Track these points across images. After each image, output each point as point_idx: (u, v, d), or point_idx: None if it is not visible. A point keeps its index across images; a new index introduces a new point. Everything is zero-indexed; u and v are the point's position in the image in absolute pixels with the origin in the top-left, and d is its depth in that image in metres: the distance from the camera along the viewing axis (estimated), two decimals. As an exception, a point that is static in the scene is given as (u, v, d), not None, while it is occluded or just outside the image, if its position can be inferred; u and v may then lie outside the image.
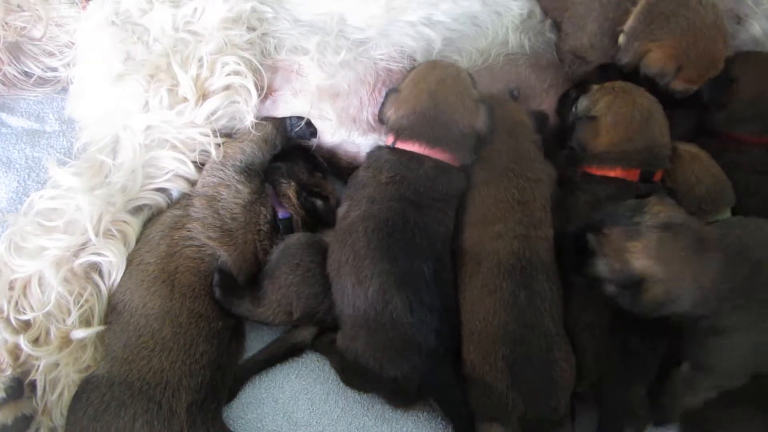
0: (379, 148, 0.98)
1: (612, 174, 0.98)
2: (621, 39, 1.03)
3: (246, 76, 0.99)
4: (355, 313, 0.88)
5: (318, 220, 1.03)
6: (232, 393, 0.94)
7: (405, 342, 0.85)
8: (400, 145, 0.94)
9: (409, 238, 0.88)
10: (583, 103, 1.02)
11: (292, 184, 1.02)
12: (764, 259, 0.81)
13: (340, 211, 0.94)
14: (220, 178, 0.97)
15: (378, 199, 0.90)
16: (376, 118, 1.03)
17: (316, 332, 0.99)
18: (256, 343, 0.98)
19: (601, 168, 0.99)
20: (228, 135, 1.03)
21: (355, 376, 0.89)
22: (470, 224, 0.93)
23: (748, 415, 0.87)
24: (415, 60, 1.08)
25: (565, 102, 1.07)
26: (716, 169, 1.01)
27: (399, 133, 0.95)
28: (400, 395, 0.89)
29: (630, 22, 1.02)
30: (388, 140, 0.97)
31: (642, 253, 0.80)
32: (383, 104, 0.98)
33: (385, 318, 0.86)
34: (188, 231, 0.94)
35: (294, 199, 1.02)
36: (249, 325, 0.98)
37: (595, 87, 1.03)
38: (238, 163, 0.98)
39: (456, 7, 1.09)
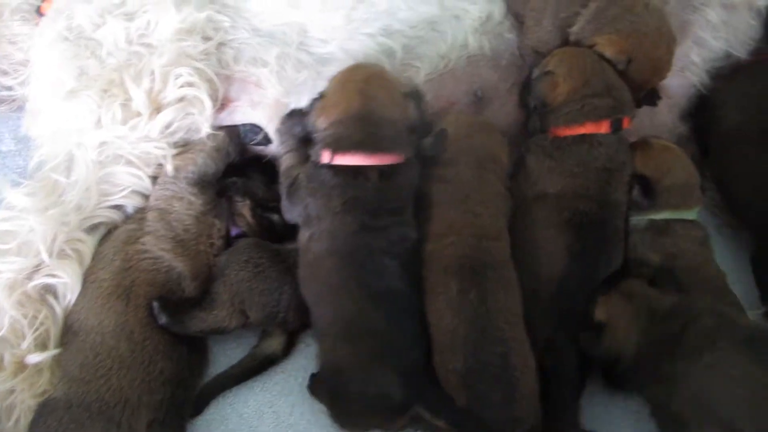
0: (317, 167, 0.92)
1: (583, 131, 0.97)
2: (571, 39, 1.04)
3: (200, 87, 0.97)
4: (336, 331, 0.88)
5: (276, 235, 1.01)
6: (198, 409, 0.94)
7: (386, 350, 0.85)
8: (339, 161, 0.90)
9: (378, 263, 0.87)
10: (535, 72, 1.03)
11: (248, 201, 1.01)
12: None
13: (301, 239, 0.92)
14: (172, 191, 0.97)
15: (338, 233, 0.88)
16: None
17: (286, 341, 0.98)
18: (220, 356, 0.98)
19: (570, 126, 0.98)
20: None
21: (344, 402, 0.87)
22: (425, 239, 0.92)
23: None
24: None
25: (524, 89, 1.06)
26: (689, 165, 1.01)
27: (336, 145, 0.90)
28: (387, 407, 0.86)
29: (579, 26, 1.02)
30: (324, 156, 0.91)
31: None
32: (310, 114, 0.94)
33: (365, 330, 0.85)
34: (142, 245, 0.93)
35: (249, 217, 1.01)
36: (212, 338, 0.97)
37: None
38: (190, 175, 0.97)
39: (414, 14, 1.07)
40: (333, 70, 1.01)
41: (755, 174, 1.07)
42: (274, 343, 0.98)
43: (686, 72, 1.14)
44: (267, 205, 1.03)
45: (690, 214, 1.00)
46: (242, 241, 0.98)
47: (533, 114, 1.03)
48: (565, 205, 0.95)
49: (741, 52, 1.13)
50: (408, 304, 0.87)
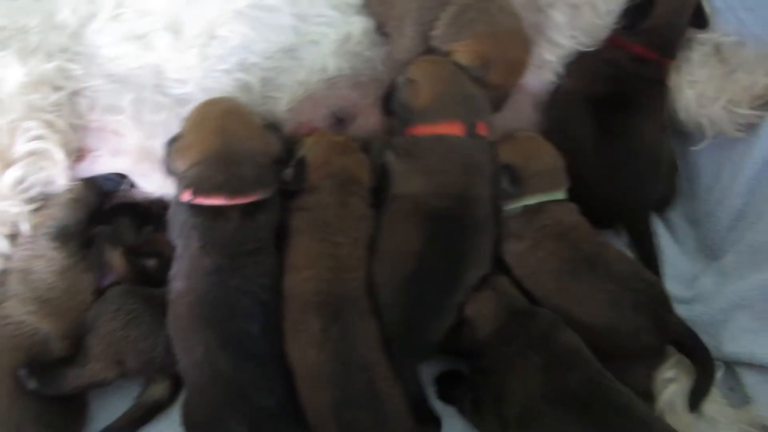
0: (179, 206, 0.92)
1: (438, 130, 0.99)
2: (433, 44, 1.07)
3: (51, 140, 0.95)
4: (192, 378, 0.87)
5: (152, 279, 0.99)
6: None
7: (233, 397, 0.83)
8: (200, 201, 0.90)
9: (232, 303, 0.87)
10: (399, 79, 1.05)
11: (117, 248, 0.99)
12: None
13: (171, 279, 0.91)
14: (32, 250, 0.94)
15: (194, 274, 0.88)
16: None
17: (171, 385, 0.96)
18: (101, 412, 0.94)
19: (428, 125, 1.00)
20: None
21: None
22: (283, 271, 0.92)
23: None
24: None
25: (386, 98, 1.07)
26: (553, 150, 1.05)
27: (197, 187, 0.90)
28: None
29: (439, 30, 1.06)
30: (185, 195, 0.91)
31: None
32: (167, 156, 0.93)
33: (213, 376, 0.84)
34: (3, 310, 0.90)
35: (120, 265, 0.99)
36: (92, 392, 0.94)
37: None
38: (50, 230, 0.95)
39: (269, 45, 1.08)
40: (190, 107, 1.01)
41: (575, 136, 1.11)
42: (159, 389, 0.95)
43: (543, 70, 1.18)
44: (139, 249, 1.02)
45: (560, 194, 1.03)
46: (111, 290, 0.96)
47: (393, 117, 1.05)
48: (422, 202, 0.96)
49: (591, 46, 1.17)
50: (262, 346, 0.86)
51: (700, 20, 1.15)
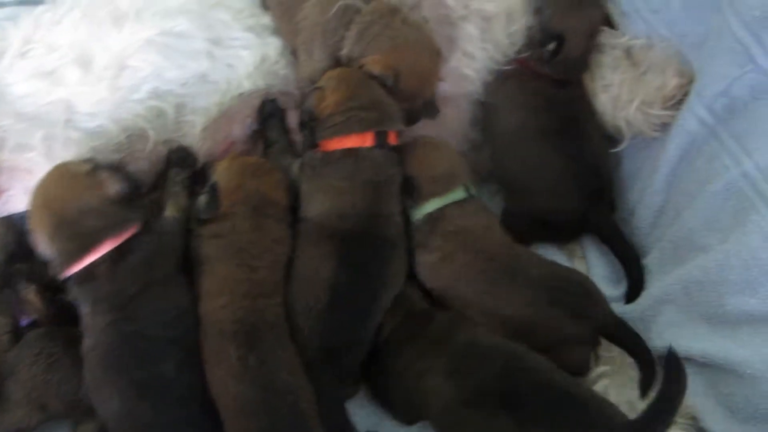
0: (65, 282, 0.91)
1: (348, 143, 0.99)
2: (343, 63, 1.08)
3: (-42, 182, 0.94)
4: (114, 427, 0.86)
5: (71, 316, 0.95)
6: None
7: None
8: (69, 272, 0.89)
9: (137, 351, 0.86)
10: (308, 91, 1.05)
11: (33, 286, 0.97)
12: None
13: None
14: None
15: (95, 331, 0.87)
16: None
17: (98, 426, 0.93)
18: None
19: (337, 139, 1.00)
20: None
21: None
22: (199, 298, 0.92)
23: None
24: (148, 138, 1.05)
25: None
26: (448, 152, 1.07)
27: (58, 263, 0.89)
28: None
29: (346, 49, 1.07)
30: (58, 273, 0.90)
31: None
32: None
33: (133, 426, 0.84)
34: None
35: (37, 303, 0.97)
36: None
37: None
38: None
39: (183, 72, 1.07)
40: (105, 143, 1.02)
41: (539, 166, 1.15)
42: (87, 430, 0.93)
43: (463, 82, 1.20)
44: (57, 285, 0.98)
45: (459, 193, 1.04)
46: (31, 334, 0.94)
47: (304, 130, 1.04)
48: (327, 225, 0.96)
49: (502, 62, 1.20)
50: (181, 385, 0.86)
51: (609, 23, 1.18)
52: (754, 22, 0.99)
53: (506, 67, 1.19)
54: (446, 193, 1.03)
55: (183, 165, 1.04)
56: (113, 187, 0.92)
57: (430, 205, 1.02)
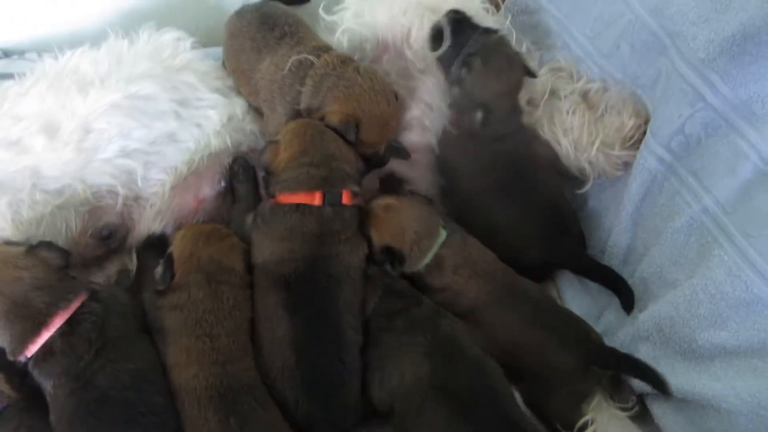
0: None
1: (296, 200, 1.00)
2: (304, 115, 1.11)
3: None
4: None
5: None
6: None
7: None
8: (26, 354, 0.89)
9: (109, 416, 0.85)
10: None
11: (2, 374, 0.93)
12: None
13: None
14: None
15: (58, 401, 0.87)
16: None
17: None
18: None
19: (288, 194, 1.00)
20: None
21: None
22: (168, 368, 0.91)
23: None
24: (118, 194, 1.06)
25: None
26: (416, 211, 1.06)
27: (14, 346, 0.88)
28: None
29: (303, 103, 1.10)
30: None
31: None
32: None
33: None
34: None
35: (7, 390, 0.93)
36: None
37: None
38: None
39: (150, 131, 1.09)
40: (69, 199, 1.03)
41: (499, 216, 1.16)
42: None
43: (426, 133, 1.23)
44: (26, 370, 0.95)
45: (441, 237, 1.06)
46: (9, 409, 0.91)
47: (264, 182, 1.06)
48: (270, 270, 0.97)
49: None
50: None
51: (530, 73, 1.19)
52: (699, 63, 1.03)
53: (449, 126, 1.22)
54: (432, 245, 1.04)
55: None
56: (54, 262, 0.92)
57: (424, 260, 1.04)
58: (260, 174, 1.11)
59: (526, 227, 1.15)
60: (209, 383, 0.88)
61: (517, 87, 1.17)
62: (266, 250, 0.99)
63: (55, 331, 0.87)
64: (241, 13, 1.21)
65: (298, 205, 0.99)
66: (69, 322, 0.88)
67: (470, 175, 1.17)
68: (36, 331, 0.87)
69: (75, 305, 0.90)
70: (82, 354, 0.87)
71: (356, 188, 1.04)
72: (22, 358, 0.88)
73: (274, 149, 1.02)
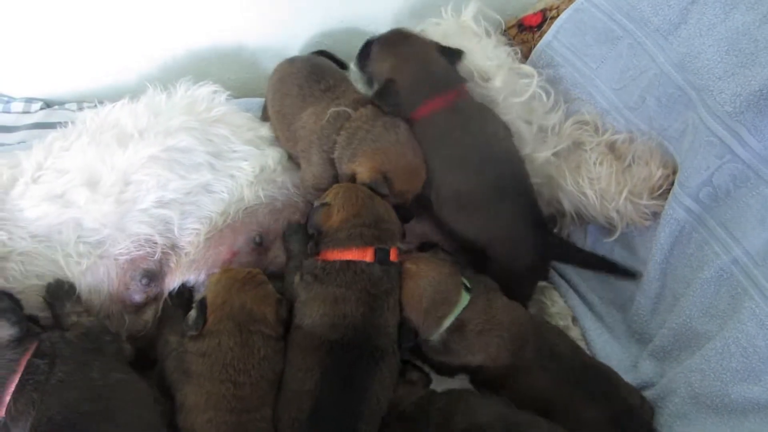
0: None
1: (348, 256, 1.01)
2: (337, 166, 1.13)
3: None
4: None
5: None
6: None
7: None
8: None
9: None
10: (316, 204, 1.08)
11: None
12: None
13: None
14: None
15: None
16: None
17: None
18: None
19: (337, 250, 1.02)
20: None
21: None
22: (184, 410, 0.92)
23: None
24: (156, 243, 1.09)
25: (307, 220, 1.09)
26: (433, 274, 1.04)
27: None
28: None
29: (337, 152, 1.13)
30: None
31: None
32: None
33: None
34: None
35: None
36: None
37: None
38: None
39: (186, 182, 1.12)
40: (110, 249, 1.06)
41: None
42: None
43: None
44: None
45: (463, 301, 1.03)
46: None
47: (311, 240, 1.07)
48: (318, 335, 0.96)
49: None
50: None
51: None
52: (726, 117, 1.04)
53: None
54: (451, 310, 1.03)
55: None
56: (6, 333, 0.91)
57: (445, 324, 1.02)
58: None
59: (515, 229, 1.14)
60: (221, 431, 0.89)
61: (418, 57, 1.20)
62: (316, 312, 0.98)
63: (9, 399, 0.87)
64: (293, 61, 1.26)
65: (348, 263, 1.00)
66: (18, 386, 0.88)
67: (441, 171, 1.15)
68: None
69: (21, 368, 0.89)
70: (32, 413, 0.86)
71: (401, 246, 1.06)
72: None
73: (326, 212, 1.04)
